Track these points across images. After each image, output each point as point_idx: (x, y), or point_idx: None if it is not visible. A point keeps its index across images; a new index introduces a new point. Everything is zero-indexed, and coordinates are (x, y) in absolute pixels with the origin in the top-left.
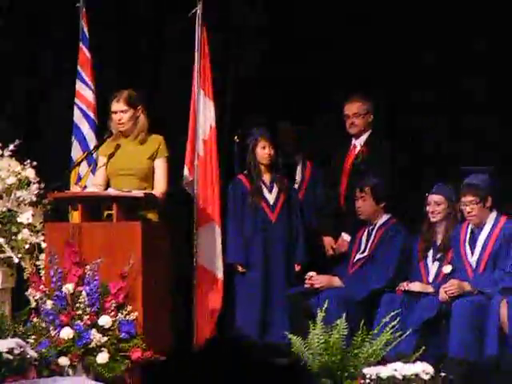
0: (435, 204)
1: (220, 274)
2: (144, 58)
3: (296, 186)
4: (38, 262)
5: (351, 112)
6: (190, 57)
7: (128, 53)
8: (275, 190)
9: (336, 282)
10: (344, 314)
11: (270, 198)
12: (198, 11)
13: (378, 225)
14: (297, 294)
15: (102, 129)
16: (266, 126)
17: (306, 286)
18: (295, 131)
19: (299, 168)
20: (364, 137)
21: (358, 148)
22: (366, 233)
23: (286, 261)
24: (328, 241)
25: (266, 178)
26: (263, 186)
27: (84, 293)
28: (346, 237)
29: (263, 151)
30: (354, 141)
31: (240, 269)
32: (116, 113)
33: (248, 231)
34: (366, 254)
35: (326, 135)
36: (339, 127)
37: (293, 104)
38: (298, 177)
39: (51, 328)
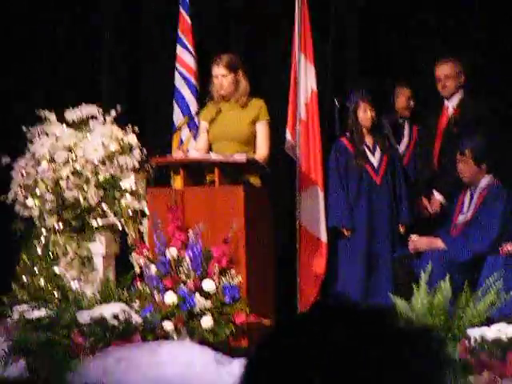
0: None
1: (324, 238)
2: (241, 21)
3: (402, 147)
4: (141, 228)
5: (442, 74)
6: (290, 20)
7: (226, 17)
8: (378, 152)
9: (438, 243)
10: (447, 276)
11: (374, 160)
12: None
13: (479, 187)
14: (400, 257)
15: (204, 94)
16: (366, 87)
17: (409, 248)
18: (408, 93)
19: (406, 130)
20: (456, 98)
21: (451, 110)
22: (468, 195)
23: (391, 223)
24: (424, 202)
25: (368, 140)
26: (366, 149)
27: (187, 257)
28: (437, 196)
29: (365, 114)
30: (446, 103)
31: (346, 232)
32: (217, 77)
33: (353, 194)
34: (468, 216)
35: (421, 96)
36: (433, 88)
37: (391, 66)
38: (406, 139)
39: (155, 293)
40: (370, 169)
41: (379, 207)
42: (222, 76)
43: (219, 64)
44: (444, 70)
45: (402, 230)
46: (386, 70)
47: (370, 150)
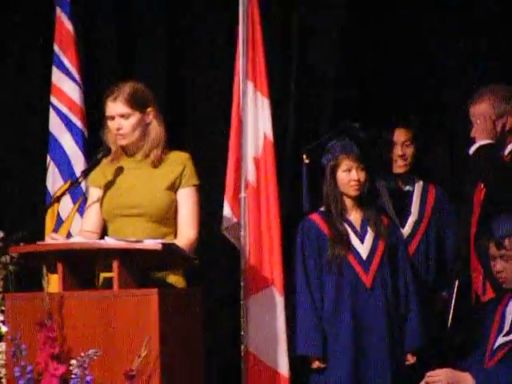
0: None
1: (284, 371)
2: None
3: (408, 228)
4: None
5: (476, 117)
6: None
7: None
8: (369, 235)
9: (465, 379)
10: None
11: (362, 249)
12: None
13: None
14: None
15: (94, 144)
16: (351, 135)
17: None
18: (410, 136)
19: (415, 196)
20: (509, 147)
21: None
22: (511, 305)
23: (390, 348)
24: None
25: (355, 217)
26: (350, 231)
27: None
28: None
29: (348, 176)
30: None
31: (316, 364)
32: (113, 118)
33: (329, 301)
34: None
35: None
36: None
37: (387, 105)
38: (415, 210)
39: None
40: (356, 263)
41: (370, 324)
42: (120, 116)
43: (117, 98)
44: (480, 114)
45: (410, 359)
46: (383, 108)
47: (356, 232)
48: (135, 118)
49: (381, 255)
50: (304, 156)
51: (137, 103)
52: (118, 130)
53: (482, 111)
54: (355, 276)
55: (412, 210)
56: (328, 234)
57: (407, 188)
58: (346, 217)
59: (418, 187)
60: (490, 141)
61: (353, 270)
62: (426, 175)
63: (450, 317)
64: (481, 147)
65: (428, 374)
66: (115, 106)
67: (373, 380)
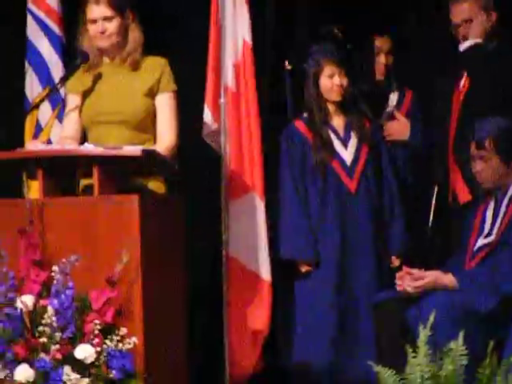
0: None
1: (266, 275)
2: None
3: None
4: None
5: (460, 17)
6: None
7: None
8: (353, 140)
9: (447, 280)
10: (461, 333)
11: (346, 154)
12: None
13: (509, 195)
14: (388, 302)
15: (72, 50)
16: (333, 40)
17: (398, 288)
18: (391, 45)
19: (391, 99)
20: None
21: None
22: (490, 207)
23: (373, 252)
24: None
25: (338, 122)
26: (333, 136)
27: (51, 309)
28: None
29: (330, 81)
30: None
31: (303, 268)
32: (95, 21)
33: (313, 208)
34: (492, 237)
35: (425, 53)
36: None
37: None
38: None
39: None
40: (340, 167)
41: (354, 228)
42: (103, 20)
43: (100, 1)
44: (463, 12)
45: (395, 262)
46: (361, 13)
47: (339, 137)
48: (117, 20)
49: (365, 160)
50: (286, 62)
51: (118, 6)
52: (103, 32)
53: (469, 8)
54: (339, 182)
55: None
56: (311, 140)
57: (386, 92)
58: (329, 122)
59: (395, 91)
60: (480, 40)
61: (337, 176)
62: (403, 81)
63: (431, 218)
64: (475, 46)
65: (404, 270)
66: (99, 9)
67: (359, 282)
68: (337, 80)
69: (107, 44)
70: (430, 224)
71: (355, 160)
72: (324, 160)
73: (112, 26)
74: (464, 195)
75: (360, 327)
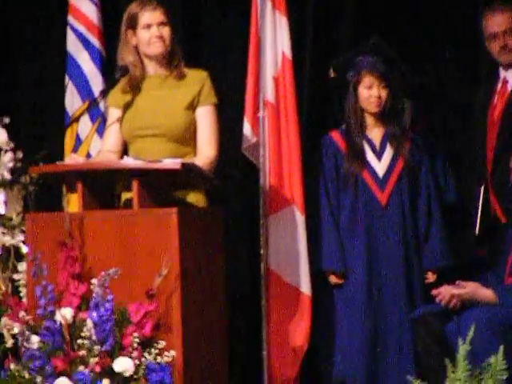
0: None
1: (306, 289)
2: None
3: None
4: (15, 276)
5: (501, 28)
6: None
7: None
8: (388, 153)
9: (487, 293)
10: (501, 347)
11: (379, 166)
12: None
13: None
14: (425, 316)
15: (112, 64)
16: (378, 51)
17: (437, 299)
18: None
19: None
20: None
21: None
22: None
23: (407, 266)
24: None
25: (375, 134)
26: (368, 148)
27: (90, 322)
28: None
29: (369, 92)
30: (503, 73)
31: (333, 280)
32: (150, 27)
33: (344, 219)
34: None
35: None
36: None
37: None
38: None
39: (38, 379)
40: (371, 179)
41: (384, 241)
42: (159, 24)
43: (156, 8)
44: (503, 22)
45: (431, 278)
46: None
47: (374, 148)
48: (169, 28)
49: (399, 174)
50: (330, 70)
51: (169, 15)
52: (160, 36)
53: (508, 19)
54: (370, 194)
55: None
56: (344, 150)
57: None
58: (366, 134)
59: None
60: None
61: (368, 188)
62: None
63: (477, 227)
64: None
65: (457, 282)
66: (155, 14)
67: (388, 298)
68: (375, 91)
69: (161, 50)
70: (476, 233)
71: (388, 173)
72: (355, 170)
73: (167, 32)
74: (501, 218)
75: (396, 343)
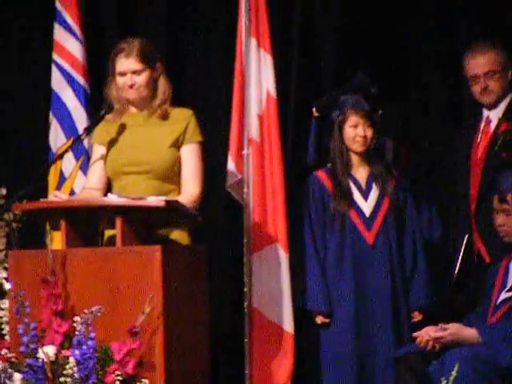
0: None
1: (289, 327)
2: None
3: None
4: None
5: (482, 70)
6: None
7: None
8: (374, 192)
9: (470, 333)
10: None
11: (366, 205)
12: None
13: None
14: (409, 356)
15: (96, 100)
16: (363, 89)
17: (418, 344)
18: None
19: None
20: (503, 105)
21: (495, 123)
22: None
23: (392, 305)
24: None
25: (361, 174)
26: (354, 187)
27: (72, 360)
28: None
29: (354, 131)
30: (486, 113)
31: (319, 319)
32: (125, 74)
33: (331, 258)
34: None
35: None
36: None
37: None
38: None
39: None
40: (358, 219)
41: (371, 281)
42: (132, 73)
43: (130, 55)
44: (484, 64)
45: (417, 317)
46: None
47: (360, 188)
48: (146, 74)
49: (385, 213)
50: (314, 109)
51: (147, 59)
52: (131, 86)
53: (494, 60)
54: (357, 233)
55: None
56: (331, 190)
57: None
58: (352, 173)
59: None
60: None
61: (354, 227)
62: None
63: (456, 272)
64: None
65: (440, 325)
66: (128, 63)
67: (375, 337)
68: (360, 131)
69: (135, 96)
70: (454, 279)
71: (375, 212)
72: (341, 210)
73: (141, 80)
74: (485, 257)
75: (380, 381)
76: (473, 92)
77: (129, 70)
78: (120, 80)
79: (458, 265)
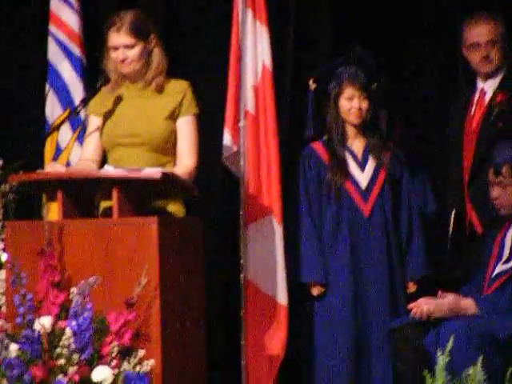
0: None
1: (283, 299)
2: None
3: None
4: None
5: (484, 38)
6: None
7: None
8: (370, 164)
9: (467, 304)
10: (480, 359)
11: (362, 177)
12: None
13: None
14: (405, 328)
15: (93, 72)
16: (360, 61)
17: (413, 315)
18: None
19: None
20: (499, 77)
21: (490, 95)
22: (509, 233)
23: (387, 276)
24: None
25: (357, 145)
26: (350, 159)
27: (69, 331)
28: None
29: (349, 103)
30: (480, 84)
31: (315, 291)
32: (117, 48)
33: (327, 230)
34: (511, 265)
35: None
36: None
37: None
38: None
39: None
40: (355, 190)
41: (367, 252)
42: (125, 47)
43: (120, 29)
44: (485, 33)
45: (412, 288)
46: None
47: (356, 159)
48: (139, 47)
49: (381, 185)
50: (310, 81)
51: (140, 32)
52: (123, 60)
53: (494, 30)
54: (353, 205)
55: None
56: (327, 162)
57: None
58: (348, 145)
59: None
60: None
61: (351, 199)
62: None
63: (448, 246)
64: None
65: (439, 293)
66: (119, 37)
67: (372, 307)
68: (355, 103)
69: (128, 71)
70: (447, 251)
71: (371, 184)
72: (338, 182)
73: (133, 54)
74: (478, 228)
75: (376, 354)
76: (471, 60)
77: (120, 45)
78: (113, 54)
79: (449, 237)
